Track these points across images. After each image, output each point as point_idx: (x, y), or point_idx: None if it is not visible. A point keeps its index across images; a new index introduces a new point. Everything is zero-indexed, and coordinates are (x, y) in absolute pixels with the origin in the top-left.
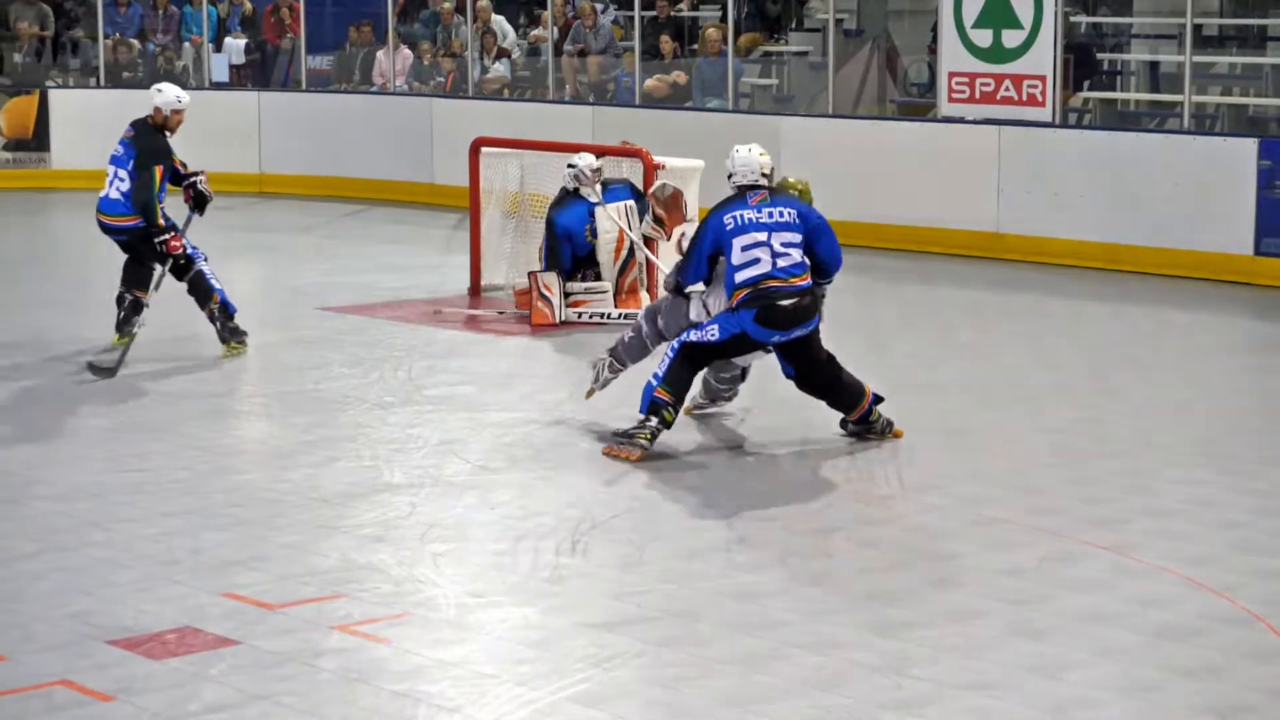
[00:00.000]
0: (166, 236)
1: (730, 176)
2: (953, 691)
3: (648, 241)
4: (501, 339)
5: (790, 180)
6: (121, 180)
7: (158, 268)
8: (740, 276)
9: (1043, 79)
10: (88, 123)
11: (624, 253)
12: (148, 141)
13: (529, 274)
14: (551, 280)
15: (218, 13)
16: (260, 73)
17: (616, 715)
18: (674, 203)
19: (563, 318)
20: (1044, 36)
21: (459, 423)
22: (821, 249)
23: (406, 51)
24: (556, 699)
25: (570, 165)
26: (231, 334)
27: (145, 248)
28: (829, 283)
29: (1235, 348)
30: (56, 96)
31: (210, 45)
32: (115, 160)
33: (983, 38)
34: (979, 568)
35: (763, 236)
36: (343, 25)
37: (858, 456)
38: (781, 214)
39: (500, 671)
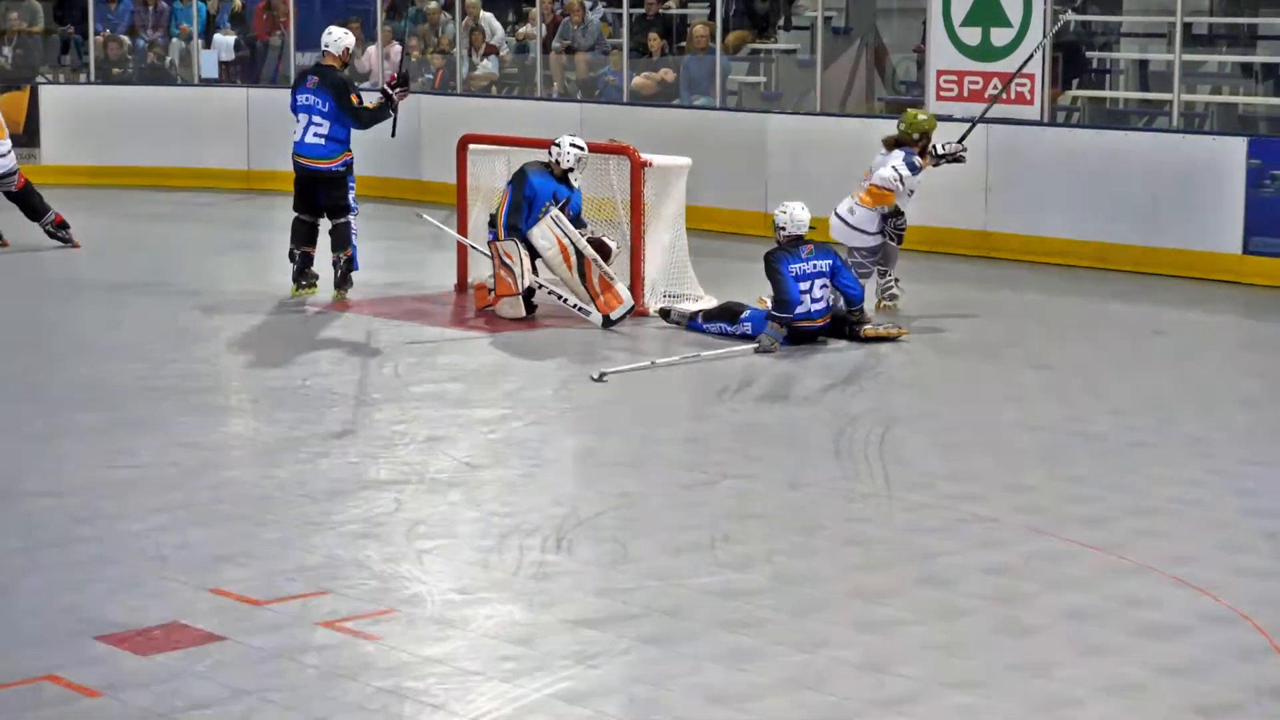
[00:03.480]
0: (351, 186)
1: (781, 229)
2: (938, 689)
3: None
4: (488, 335)
5: (918, 117)
6: (318, 125)
7: (323, 222)
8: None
9: (1031, 77)
10: (78, 118)
11: (574, 259)
12: (337, 77)
13: (489, 243)
14: (512, 249)
15: (207, 8)
16: (249, 69)
17: (601, 712)
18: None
19: (527, 284)
20: (1032, 35)
21: (445, 419)
22: (841, 284)
23: (396, 48)
24: (541, 696)
25: (575, 146)
26: (343, 282)
27: (333, 189)
28: (859, 306)
29: (1224, 347)
30: (47, 92)
31: (200, 41)
32: (306, 108)
33: (971, 36)
34: (965, 566)
35: (806, 285)
36: (332, 22)
37: (844, 455)
38: (818, 265)
39: (485, 668)
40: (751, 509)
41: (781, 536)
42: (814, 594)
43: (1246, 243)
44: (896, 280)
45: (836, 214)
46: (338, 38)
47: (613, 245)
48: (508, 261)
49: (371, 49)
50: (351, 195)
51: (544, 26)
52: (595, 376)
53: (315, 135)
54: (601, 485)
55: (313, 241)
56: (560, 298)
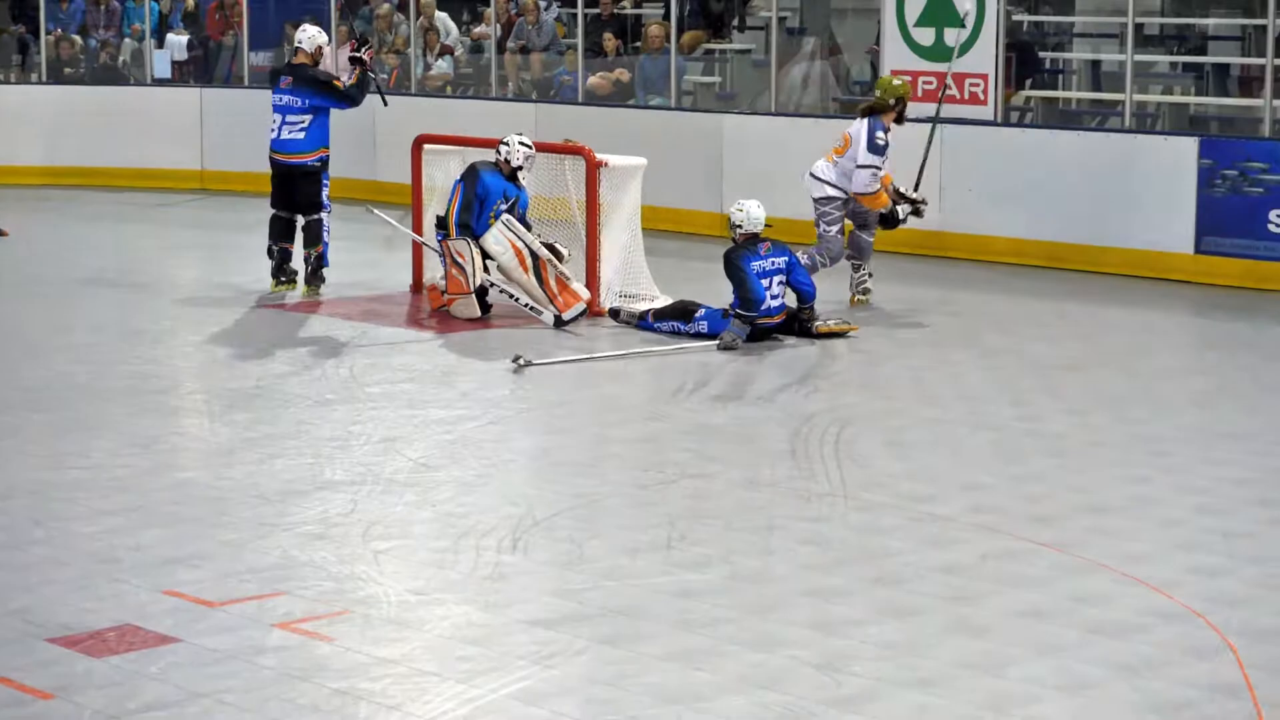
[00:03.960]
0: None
1: (738, 227)
2: (893, 689)
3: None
4: (443, 335)
5: (893, 82)
6: (294, 121)
7: (299, 218)
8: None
9: (985, 77)
10: (29, 119)
11: (529, 261)
12: (311, 74)
13: (440, 242)
14: (464, 247)
15: (160, 8)
16: (203, 69)
17: (557, 713)
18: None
19: (478, 283)
20: (986, 35)
21: (400, 420)
22: (795, 281)
23: (350, 47)
24: (497, 696)
25: (524, 144)
26: (314, 278)
27: (308, 185)
28: (811, 304)
29: (1176, 346)
30: None
31: (152, 41)
32: (281, 108)
33: (925, 36)
34: (919, 565)
35: (767, 282)
36: (286, 21)
37: (799, 454)
38: (776, 263)
39: (441, 669)
40: (707, 509)
41: (737, 536)
42: (770, 593)
43: (1198, 242)
44: (870, 275)
45: (810, 173)
46: (311, 35)
47: (565, 251)
48: (459, 260)
49: (327, 49)
50: (325, 193)
51: (499, 26)
52: (514, 360)
53: (291, 131)
54: (557, 485)
55: (291, 238)
56: (513, 297)
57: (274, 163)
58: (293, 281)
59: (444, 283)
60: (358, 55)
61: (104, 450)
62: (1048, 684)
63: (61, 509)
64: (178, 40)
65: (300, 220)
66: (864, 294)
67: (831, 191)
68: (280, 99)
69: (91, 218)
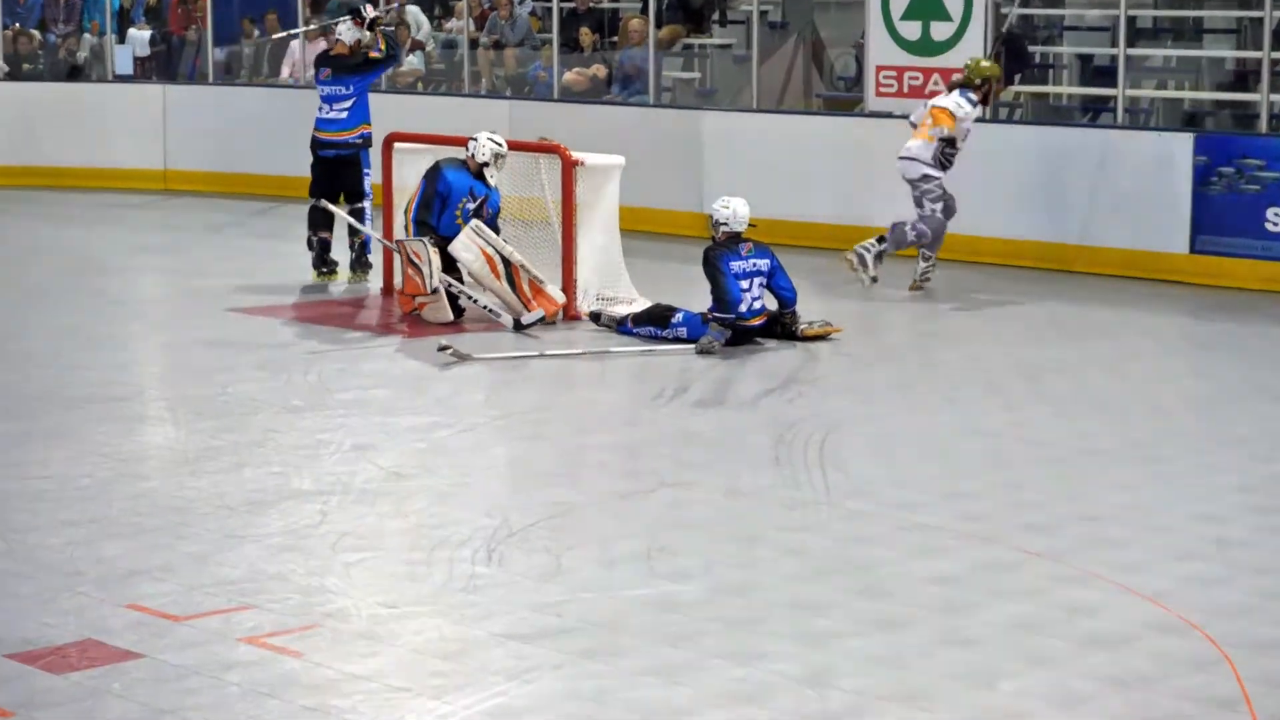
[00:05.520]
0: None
1: (723, 224)
2: (880, 703)
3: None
4: (415, 340)
5: (982, 63)
6: (338, 108)
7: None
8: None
9: None
10: None
11: (500, 267)
12: (346, 62)
13: (396, 242)
14: (420, 247)
15: (121, 2)
16: (165, 65)
17: None
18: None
19: (434, 285)
20: (974, 29)
21: (371, 427)
22: (777, 286)
23: (321, 42)
24: (472, 713)
25: (493, 141)
26: (358, 264)
27: (351, 173)
28: (793, 309)
29: (1171, 349)
30: None
31: (113, 36)
32: (329, 97)
33: (911, 30)
34: (907, 575)
35: (746, 284)
36: (252, 15)
37: (783, 462)
38: (757, 264)
39: (414, 685)
40: (688, 518)
41: (719, 547)
42: (752, 606)
43: (1193, 242)
44: (934, 265)
45: (900, 157)
46: (350, 27)
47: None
48: (415, 260)
49: (294, 44)
50: (368, 181)
51: (471, 21)
52: (441, 348)
53: (334, 112)
54: (534, 495)
55: (330, 227)
56: (472, 299)
57: (316, 144)
58: (334, 271)
59: (400, 281)
60: (373, 19)
61: (65, 459)
62: (1040, 698)
63: (21, 520)
64: (140, 35)
65: (343, 209)
66: (925, 281)
67: (930, 170)
68: (324, 90)
69: (51, 219)
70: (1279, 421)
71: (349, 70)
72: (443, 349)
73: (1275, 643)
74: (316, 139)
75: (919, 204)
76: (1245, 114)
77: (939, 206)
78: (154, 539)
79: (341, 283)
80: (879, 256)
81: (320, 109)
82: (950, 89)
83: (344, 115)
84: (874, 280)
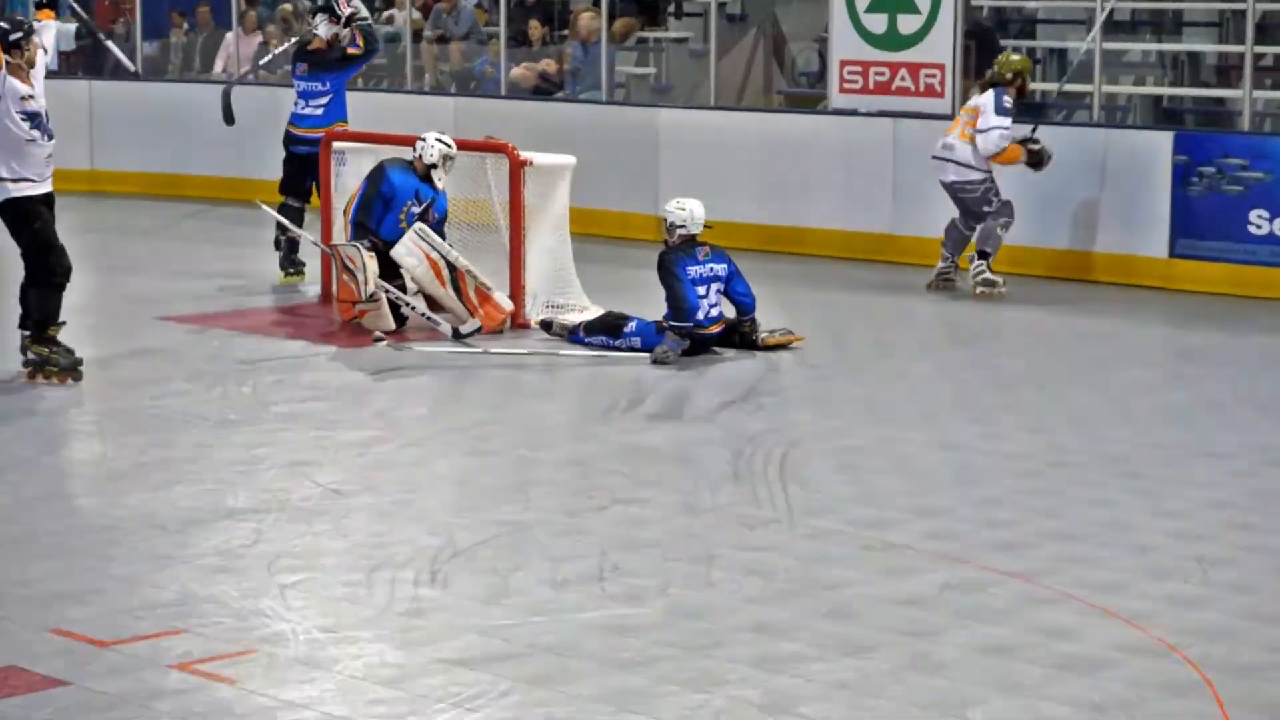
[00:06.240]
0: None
1: (680, 227)
2: None
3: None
4: (355, 351)
5: (1011, 58)
6: (313, 104)
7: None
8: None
9: (941, 68)
10: None
11: (446, 273)
12: (322, 57)
13: (331, 246)
14: (354, 252)
15: None
16: (92, 60)
17: None
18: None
19: (370, 292)
20: (943, 22)
21: (309, 442)
22: (734, 292)
23: (258, 37)
24: None
25: (441, 142)
26: (290, 264)
27: (314, 167)
28: (751, 316)
29: (1149, 358)
30: None
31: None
32: (305, 93)
33: (877, 23)
34: (873, 597)
35: (703, 290)
36: (182, 9)
37: (742, 478)
38: (714, 269)
39: (353, 712)
40: (642, 537)
41: (675, 567)
42: (710, 629)
43: (1173, 245)
44: (955, 266)
45: (935, 156)
46: (326, 23)
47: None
48: (350, 266)
49: (229, 36)
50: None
51: (414, 13)
52: (378, 339)
53: (309, 108)
54: (480, 513)
55: (299, 226)
56: (410, 306)
57: (290, 142)
58: (301, 272)
59: (335, 287)
60: (349, 14)
61: None
62: None
63: None
64: (65, 29)
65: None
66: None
67: (976, 176)
68: (301, 85)
69: None
70: (1261, 434)
71: (325, 66)
72: (379, 339)
73: (1257, 665)
74: (290, 134)
75: (978, 210)
76: (1227, 111)
77: (1001, 199)
78: (80, 560)
79: (292, 288)
80: (990, 269)
81: (296, 104)
82: (983, 89)
83: (319, 112)
84: (1006, 284)
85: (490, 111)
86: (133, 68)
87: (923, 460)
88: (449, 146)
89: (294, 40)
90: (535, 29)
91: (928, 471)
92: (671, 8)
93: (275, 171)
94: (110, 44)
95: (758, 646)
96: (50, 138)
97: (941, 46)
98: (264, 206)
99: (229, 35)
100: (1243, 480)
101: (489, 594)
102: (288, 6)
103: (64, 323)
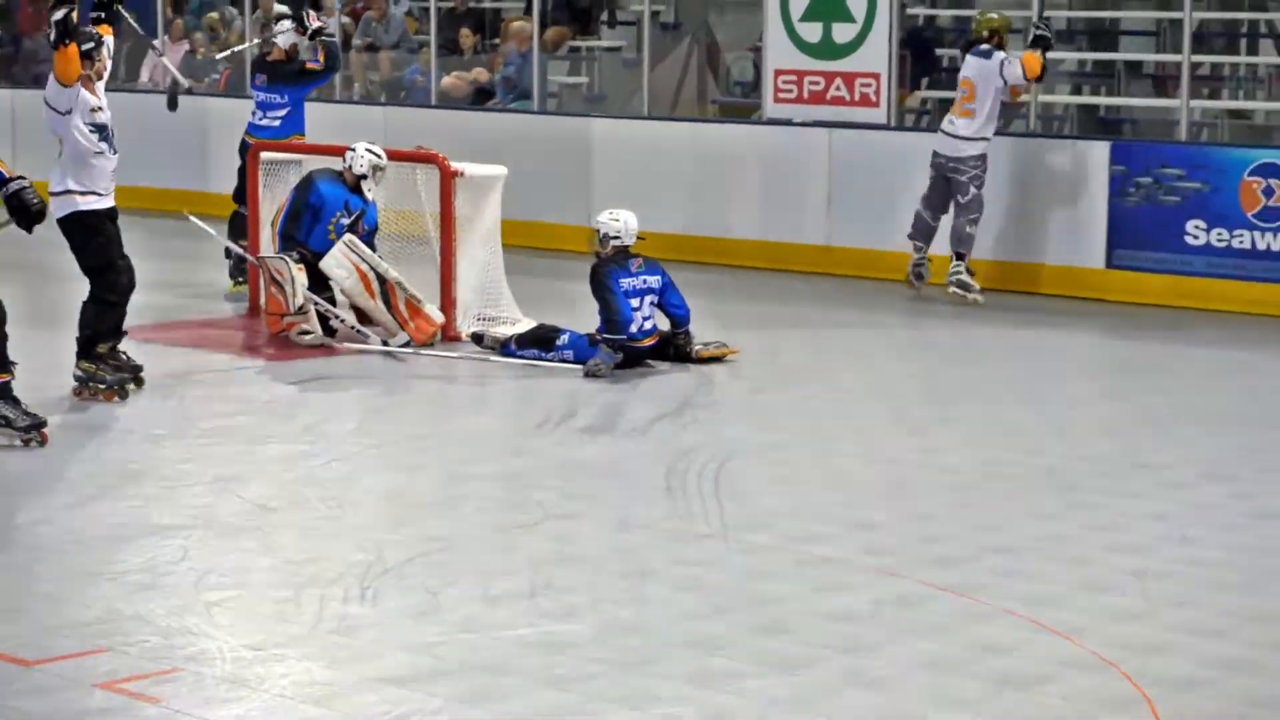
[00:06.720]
0: None
1: (614, 238)
2: None
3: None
4: (283, 364)
5: (988, 15)
6: (271, 115)
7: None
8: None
9: (877, 77)
10: None
11: (375, 285)
12: (281, 69)
13: (258, 259)
14: (282, 265)
15: None
16: (11, 68)
17: None
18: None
19: (299, 304)
20: (878, 30)
21: (236, 457)
22: (668, 304)
23: (184, 45)
24: None
25: (371, 153)
26: (240, 273)
27: None
28: (686, 328)
29: (1086, 370)
30: None
31: None
32: (263, 104)
33: (811, 32)
34: (809, 612)
35: (636, 302)
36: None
37: (676, 492)
38: (647, 281)
39: None
40: (575, 553)
41: (608, 583)
42: (644, 645)
43: (1110, 256)
44: (969, 271)
45: (942, 130)
46: (287, 33)
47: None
48: (278, 279)
49: (155, 43)
50: None
51: (343, 19)
52: (301, 333)
53: (267, 119)
54: (410, 528)
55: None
56: (340, 319)
57: (245, 149)
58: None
59: (263, 299)
60: (318, 28)
61: None
62: None
63: None
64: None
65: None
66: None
67: (976, 150)
68: (260, 96)
69: None
70: (1199, 447)
71: (283, 78)
72: (303, 334)
73: (1195, 680)
74: (245, 144)
75: (966, 190)
76: (1164, 120)
77: (983, 190)
78: (3, 577)
79: (240, 297)
80: (969, 271)
81: (254, 114)
82: (963, 52)
83: (276, 124)
84: (981, 293)
85: (421, 121)
86: (185, 84)
87: (858, 474)
88: (379, 157)
89: (255, 41)
90: (466, 37)
91: (863, 486)
92: (605, 16)
93: (200, 183)
94: (165, 60)
95: (692, 663)
96: (115, 151)
97: (877, 55)
98: (192, 219)
99: (154, 42)
100: (1180, 492)
101: (419, 611)
102: (214, 15)
103: (125, 333)
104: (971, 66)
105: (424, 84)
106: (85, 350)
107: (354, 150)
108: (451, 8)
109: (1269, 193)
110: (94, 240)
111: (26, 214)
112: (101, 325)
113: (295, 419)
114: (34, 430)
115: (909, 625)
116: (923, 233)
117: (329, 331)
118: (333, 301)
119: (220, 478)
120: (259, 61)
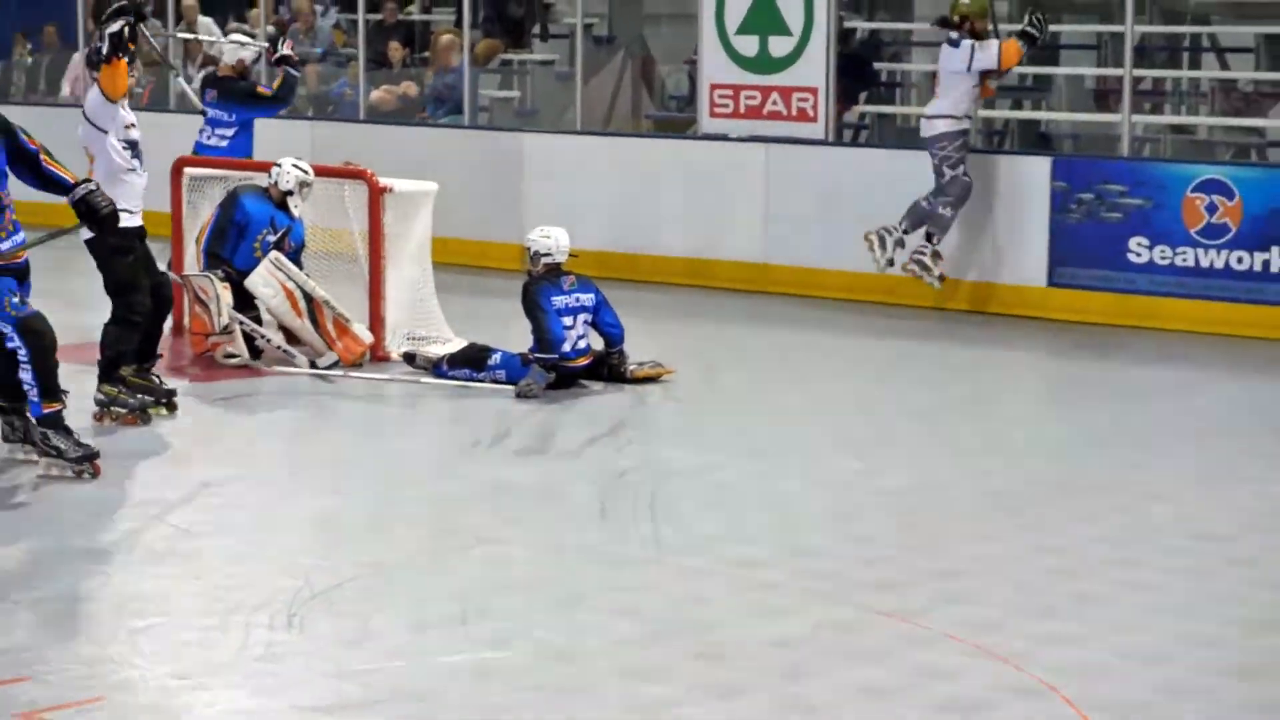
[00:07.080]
0: None
1: (545, 255)
2: None
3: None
4: (209, 385)
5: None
6: (219, 135)
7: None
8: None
9: (814, 91)
10: None
11: (302, 304)
12: (231, 85)
13: (182, 277)
14: (207, 283)
15: None
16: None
17: None
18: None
19: (224, 324)
20: (815, 44)
21: (159, 481)
22: (602, 322)
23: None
24: None
25: (298, 168)
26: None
27: None
28: (620, 348)
29: (1028, 390)
30: None
31: None
32: (211, 121)
33: (748, 45)
34: (745, 638)
35: (569, 321)
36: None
37: (610, 515)
38: (580, 299)
39: None
40: (507, 578)
41: (541, 609)
42: (578, 673)
43: (1051, 274)
44: (936, 253)
45: (924, 117)
46: (231, 49)
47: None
48: (202, 297)
49: (76, 57)
50: None
51: (269, 32)
52: (227, 356)
53: (214, 139)
54: (338, 553)
55: None
56: (266, 339)
57: None
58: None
59: (187, 319)
60: (286, 55)
61: None
62: None
63: None
64: None
65: None
66: (921, 270)
67: (944, 127)
68: (209, 112)
69: None
70: (1142, 469)
71: (231, 96)
72: (229, 356)
73: (1136, 704)
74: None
75: (938, 172)
76: (1106, 135)
77: (960, 170)
78: None
79: None
80: (899, 242)
81: (201, 131)
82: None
83: (224, 144)
84: (889, 264)
85: (348, 136)
86: (201, 106)
87: (796, 497)
88: (306, 173)
89: (214, 40)
90: (395, 50)
91: (802, 508)
92: (536, 29)
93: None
94: (180, 80)
95: (627, 690)
96: (144, 169)
97: (814, 69)
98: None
99: (76, 56)
100: (1124, 515)
101: (348, 638)
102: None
103: (160, 355)
104: (941, 54)
105: (352, 98)
106: (107, 373)
107: (280, 166)
108: (380, 20)
109: (1212, 209)
110: (122, 258)
111: (96, 217)
112: (121, 345)
113: (220, 441)
114: (86, 461)
115: (849, 651)
116: (909, 213)
117: (255, 352)
118: (259, 321)
119: (143, 502)
120: (210, 76)
